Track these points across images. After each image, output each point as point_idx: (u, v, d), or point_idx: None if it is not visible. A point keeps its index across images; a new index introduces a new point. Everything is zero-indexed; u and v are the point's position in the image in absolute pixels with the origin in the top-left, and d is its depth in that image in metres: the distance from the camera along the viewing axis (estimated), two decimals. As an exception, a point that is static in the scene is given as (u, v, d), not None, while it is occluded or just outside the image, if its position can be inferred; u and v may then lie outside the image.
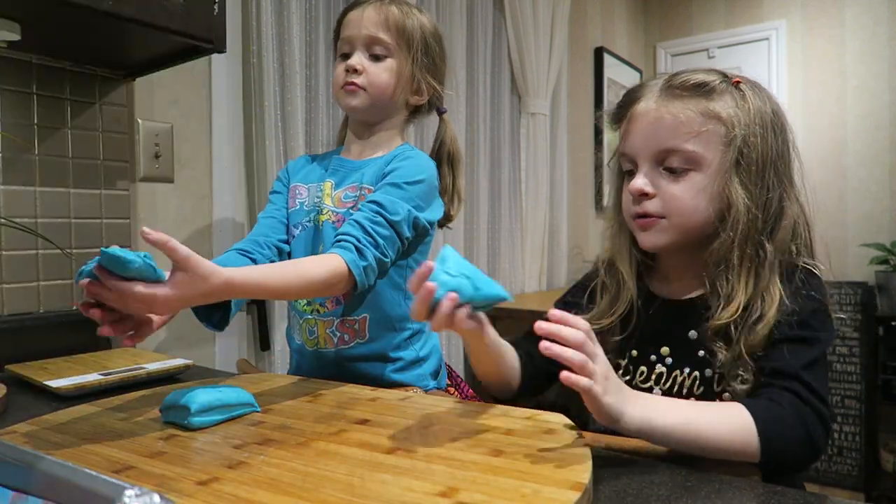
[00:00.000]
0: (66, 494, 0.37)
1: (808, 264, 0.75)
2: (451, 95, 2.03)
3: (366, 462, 0.54)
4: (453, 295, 0.63)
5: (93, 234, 1.18)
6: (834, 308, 0.74)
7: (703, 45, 3.50)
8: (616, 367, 0.81)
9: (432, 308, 0.64)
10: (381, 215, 0.88)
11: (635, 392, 0.62)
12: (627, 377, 0.82)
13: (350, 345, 0.98)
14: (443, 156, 1.06)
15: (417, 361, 1.01)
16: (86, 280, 0.59)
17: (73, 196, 1.16)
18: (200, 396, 0.66)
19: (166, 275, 0.61)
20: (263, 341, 1.46)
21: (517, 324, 2.08)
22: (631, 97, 0.82)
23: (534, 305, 2.12)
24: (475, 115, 2.22)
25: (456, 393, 1.08)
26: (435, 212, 0.99)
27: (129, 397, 0.79)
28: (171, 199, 1.33)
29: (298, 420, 0.67)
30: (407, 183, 0.93)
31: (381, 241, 0.87)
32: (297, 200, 1.03)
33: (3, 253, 1.07)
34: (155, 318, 0.71)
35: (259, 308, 1.46)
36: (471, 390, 1.13)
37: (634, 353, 0.83)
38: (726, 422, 0.62)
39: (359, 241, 0.85)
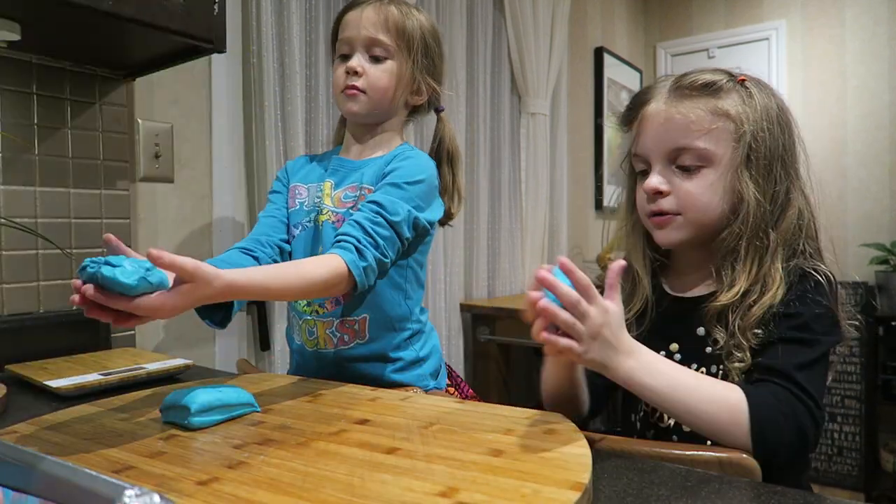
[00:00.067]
0: (66, 494, 0.37)
1: (819, 270, 0.76)
2: (451, 95, 2.04)
3: (366, 462, 0.54)
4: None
5: (93, 234, 1.18)
6: (847, 313, 0.75)
7: (703, 45, 3.50)
8: None
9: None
10: (381, 215, 0.88)
11: (631, 348, 0.65)
12: None
13: (350, 345, 0.98)
14: (442, 155, 1.06)
15: (417, 361, 1.01)
16: (90, 289, 0.57)
17: (73, 196, 1.16)
18: (200, 396, 0.66)
19: (165, 273, 0.61)
20: (263, 341, 1.46)
21: (517, 324, 2.09)
22: (640, 99, 0.84)
23: (534, 305, 2.11)
24: (475, 115, 2.22)
25: (456, 393, 1.08)
26: (435, 212, 0.98)
27: (129, 397, 0.79)
28: (171, 199, 1.33)
29: (298, 420, 0.67)
30: (407, 183, 0.93)
31: (381, 241, 0.87)
32: (297, 200, 1.03)
33: (3, 253, 1.07)
34: None
35: (259, 308, 1.46)
36: (471, 390, 1.13)
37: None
38: (718, 395, 0.65)
39: (359, 241, 0.85)
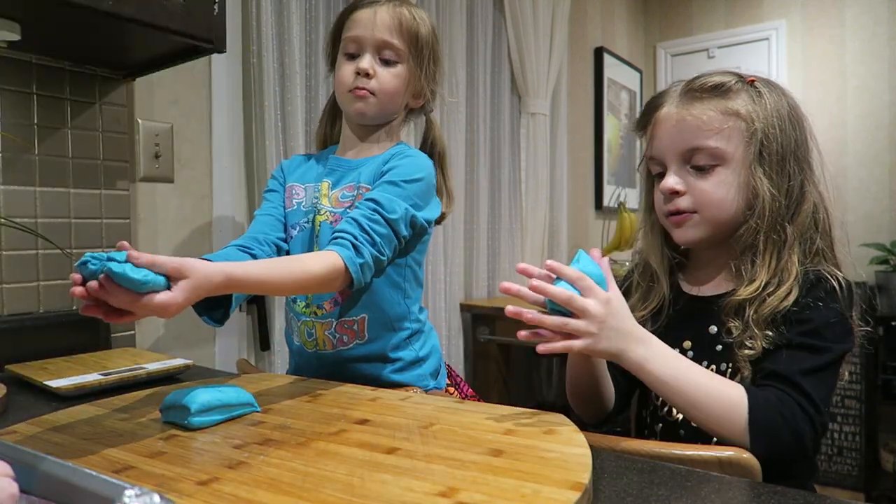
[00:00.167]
0: (66, 494, 0.37)
1: (835, 275, 0.76)
2: (454, 101, 2.04)
3: (366, 462, 0.54)
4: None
5: (93, 234, 1.18)
6: (857, 319, 0.76)
7: (703, 45, 3.50)
8: None
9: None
10: (379, 213, 0.88)
11: (641, 336, 0.68)
12: None
13: (349, 346, 0.98)
14: (434, 155, 1.06)
15: (417, 361, 1.01)
16: (95, 286, 0.57)
17: (73, 196, 1.16)
18: (200, 396, 0.66)
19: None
20: (263, 341, 1.46)
21: (517, 324, 2.09)
22: (653, 104, 0.87)
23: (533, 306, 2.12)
24: (475, 115, 2.22)
25: (456, 393, 1.08)
26: (433, 210, 0.98)
27: (129, 397, 0.79)
28: (171, 199, 1.33)
29: (298, 420, 0.67)
30: (405, 181, 0.92)
31: (378, 239, 0.87)
32: (295, 201, 1.02)
33: (3, 253, 1.07)
34: None
35: (259, 308, 1.46)
36: (471, 390, 1.13)
37: None
38: (721, 391, 0.68)
39: (356, 238, 0.85)
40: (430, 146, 1.08)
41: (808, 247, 0.79)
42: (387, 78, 0.97)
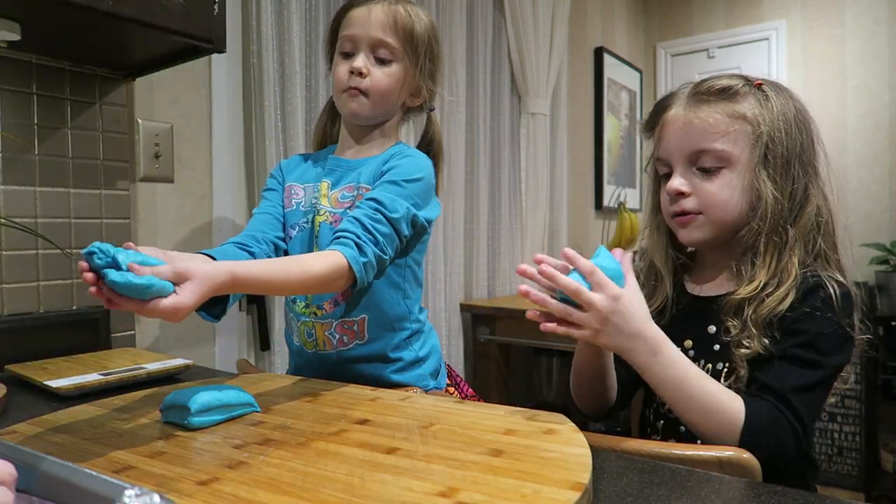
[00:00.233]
0: (66, 494, 0.37)
1: (835, 281, 0.77)
2: (453, 99, 2.04)
3: (366, 462, 0.53)
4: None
5: (93, 234, 1.18)
6: (859, 323, 0.77)
7: (703, 45, 3.50)
8: None
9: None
10: (381, 213, 0.88)
11: (650, 337, 0.69)
12: None
13: (349, 346, 0.98)
14: (432, 153, 1.06)
15: (417, 362, 1.01)
16: (105, 288, 0.57)
17: (73, 196, 1.16)
18: (200, 396, 0.66)
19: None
20: (263, 341, 1.46)
21: (517, 324, 2.09)
22: (661, 106, 0.89)
23: (533, 306, 2.12)
24: (475, 115, 2.22)
25: (456, 393, 1.08)
26: (433, 210, 0.98)
27: (129, 397, 0.79)
28: (171, 199, 1.33)
29: (298, 420, 0.67)
30: (406, 181, 0.92)
31: (380, 238, 0.86)
32: (294, 201, 1.02)
33: (3, 253, 1.07)
34: None
35: (259, 308, 1.46)
36: (471, 390, 1.13)
37: None
38: (718, 400, 0.69)
39: (358, 237, 0.84)
40: (427, 143, 1.07)
41: (809, 248, 0.80)
42: (380, 77, 0.97)
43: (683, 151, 0.83)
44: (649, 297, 0.90)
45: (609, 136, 3.19)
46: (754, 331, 0.75)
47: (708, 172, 0.82)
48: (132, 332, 1.24)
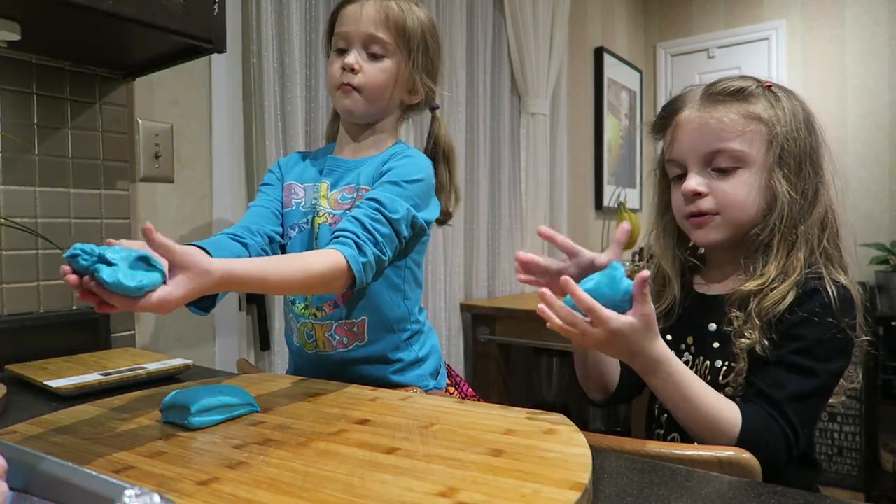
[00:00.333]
0: (66, 494, 0.37)
1: (836, 283, 0.77)
2: (451, 95, 2.04)
3: (366, 462, 0.54)
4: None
5: (93, 234, 1.18)
6: (861, 324, 0.77)
7: (703, 45, 3.50)
8: None
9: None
10: (381, 213, 0.87)
11: (651, 356, 0.69)
12: None
13: (349, 347, 0.97)
14: (438, 153, 1.05)
15: (417, 362, 1.01)
16: (90, 284, 0.55)
17: (73, 196, 1.16)
18: (200, 396, 0.66)
19: (160, 261, 0.60)
20: (263, 341, 1.46)
21: (517, 324, 2.09)
22: (673, 107, 0.89)
23: (534, 306, 2.12)
24: (475, 115, 2.22)
25: (456, 393, 1.08)
26: (432, 211, 0.98)
27: (129, 397, 0.79)
28: (171, 199, 1.33)
29: (298, 420, 0.67)
30: (405, 181, 0.92)
31: (380, 238, 0.86)
32: (294, 200, 1.01)
33: (3, 253, 1.07)
34: None
35: (259, 308, 1.46)
36: (471, 389, 1.13)
37: (668, 337, 0.90)
38: (717, 411, 0.70)
39: (358, 237, 0.83)
40: (433, 144, 1.06)
41: (815, 246, 0.80)
42: (373, 73, 0.96)
43: (699, 152, 0.83)
44: (657, 301, 0.90)
45: (609, 136, 3.19)
46: (757, 321, 0.76)
47: (724, 172, 0.82)
48: (132, 332, 1.24)
